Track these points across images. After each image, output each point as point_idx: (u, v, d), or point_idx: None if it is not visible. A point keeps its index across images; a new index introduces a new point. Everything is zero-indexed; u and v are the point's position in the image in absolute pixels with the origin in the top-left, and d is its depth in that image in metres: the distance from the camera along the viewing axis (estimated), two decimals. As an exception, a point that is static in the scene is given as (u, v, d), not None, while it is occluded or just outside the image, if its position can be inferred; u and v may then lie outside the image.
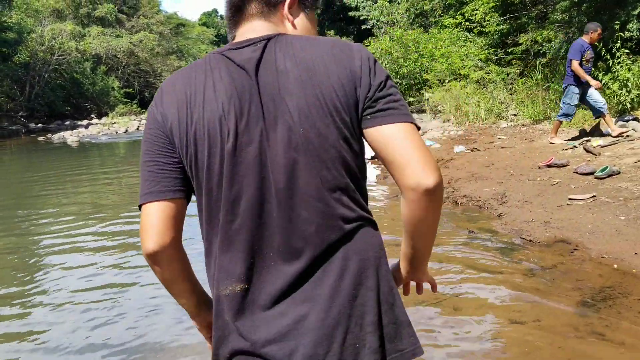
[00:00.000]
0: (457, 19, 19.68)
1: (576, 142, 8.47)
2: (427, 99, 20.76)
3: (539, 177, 6.48)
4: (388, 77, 1.19)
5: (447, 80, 20.88)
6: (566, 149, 8.17)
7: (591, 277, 3.76)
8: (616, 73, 10.28)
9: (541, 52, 13.69)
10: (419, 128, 1.17)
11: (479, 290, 3.72)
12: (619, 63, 10.30)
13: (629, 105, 10.23)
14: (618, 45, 10.16)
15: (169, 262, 1.25)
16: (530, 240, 4.57)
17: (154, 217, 1.21)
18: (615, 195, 5.41)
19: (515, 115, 13.51)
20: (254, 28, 1.26)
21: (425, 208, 1.14)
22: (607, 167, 6.18)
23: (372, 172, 9.10)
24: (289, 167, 1.14)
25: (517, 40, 15.95)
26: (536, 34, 13.54)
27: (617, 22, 10.31)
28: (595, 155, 7.43)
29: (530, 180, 6.43)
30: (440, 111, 17.95)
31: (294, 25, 1.31)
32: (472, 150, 9.29)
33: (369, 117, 1.16)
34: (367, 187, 1.26)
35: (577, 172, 6.50)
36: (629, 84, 10.11)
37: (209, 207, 1.19)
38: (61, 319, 3.87)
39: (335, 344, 1.13)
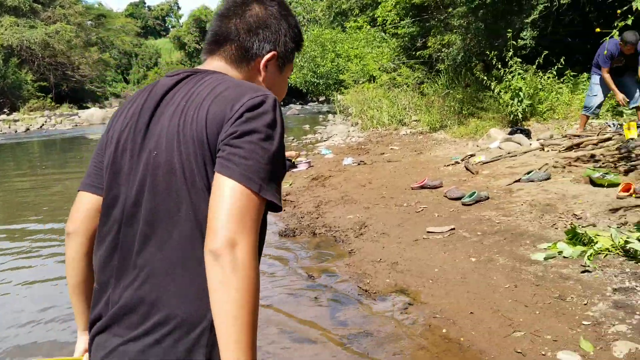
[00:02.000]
0: (358, 21, 19.12)
1: (459, 157, 8.02)
2: (339, 101, 20.25)
3: (407, 202, 5.92)
4: (263, 133, 1.10)
5: (361, 82, 20.48)
6: (448, 165, 7.69)
7: (414, 349, 3.15)
8: (508, 82, 9.94)
9: (440, 57, 13.33)
10: (259, 193, 1.07)
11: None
12: (511, 72, 9.97)
13: (520, 116, 9.92)
14: (510, 54, 9.83)
15: (75, 245, 1.33)
16: (366, 291, 3.94)
17: (77, 204, 1.34)
18: (474, 228, 4.87)
19: (417, 121, 13.11)
20: (212, 64, 1.32)
21: (211, 273, 1.04)
22: (474, 192, 5.68)
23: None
24: (139, 188, 1.18)
25: (426, 43, 15.56)
26: (439, 39, 13.15)
27: (509, 30, 9.97)
28: (473, 173, 6.97)
29: (397, 206, 5.86)
30: (350, 114, 17.41)
31: (264, 79, 1.35)
32: (358, 164, 8.71)
33: (219, 157, 1.11)
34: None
35: (446, 197, 5.98)
36: (521, 93, 9.79)
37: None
38: None
39: None
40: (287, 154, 9.72)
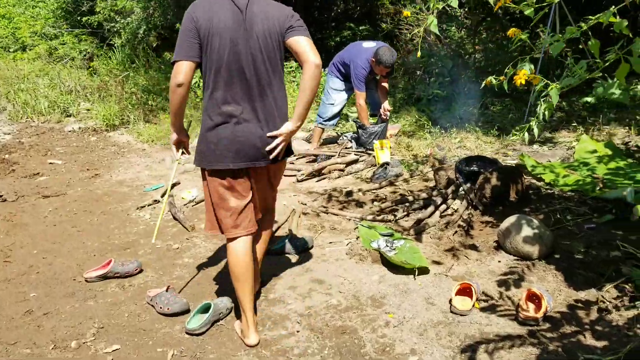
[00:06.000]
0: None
1: (158, 187, 5.04)
2: (-22, 75, 14.76)
3: (71, 336, 2.79)
4: (298, 19, 2.45)
5: (12, 50, 15.27)
6: (143, 207, 4.65)
7: None
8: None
9: (116, 29, 9.84)
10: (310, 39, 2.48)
11: None
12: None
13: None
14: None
15: (183, 90, 2.36)
16: None
17: (184, 67, 2.32)
18: None
19: (88, 111, 9.44)
20: None
21: (315, 75, 2.37)
22: (208, 304, 2.89)
23: None
24: (252, 57, 2.37)
25: (94, 7, 11.68)
26: (110, 4, 9.56)
27: None
28: (188, 230, 4.12)
29: (55, 347, 2.70)
30: (-4, 93, 12.35)
31: None
32: (-7, 202, 4.96)
33: (289, 33, 2.41)
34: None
35: (158, 310, 3.04)
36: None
37: (212, 70, 2.36)
38: None
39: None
40: None
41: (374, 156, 5.15)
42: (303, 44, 2.37)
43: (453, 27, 8.86)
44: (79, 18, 12.77)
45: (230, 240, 2.55)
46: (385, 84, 5.47)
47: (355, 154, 5.26)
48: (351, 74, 5.22)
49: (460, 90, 6.71)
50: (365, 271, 3.26)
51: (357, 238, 3.64)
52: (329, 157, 5.27)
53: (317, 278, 3.23)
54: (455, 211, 3.82)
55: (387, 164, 4.84)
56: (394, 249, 3.45)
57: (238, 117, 2.37)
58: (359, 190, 4.59)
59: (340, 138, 5.83)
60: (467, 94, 6.60)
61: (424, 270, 3.16)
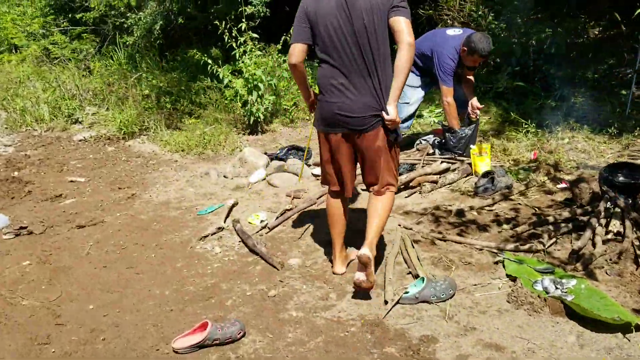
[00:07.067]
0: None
1: (214, 208, 4.21)
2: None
3: None
4: (406, 2, 2.59)
5: (-2, 51, 14.16)
6: (205, 237, 3.81)
7: None
8: (243, 67, 6.35)
9: (126, 25, 8.86)
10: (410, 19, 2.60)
11: None
12: (245, 52, 6.41)
13: (262, 117, 6.50)
14: (244, 25, 6.25)
15: (298, 70, 2.78)
16: None
17: (296, 49, 2.71)
18: None
19: (95, 115, 8.48)
20: None
21: (410, 56, 2.55)
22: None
23: None
24: (356, 36, 2.59)
25: (87, 4, 10.69)
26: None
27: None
28: (277, 268, 3.29)
29: None
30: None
31: None
32: (17, 235, 4.06)
33: (391, 12, 2.57)
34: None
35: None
36: (261, 85, 6.31)
37: (323, 47, 2.68)
38: None
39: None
40: None
41: (468, 163, 4.36)
42: (402, 24, 2.56)
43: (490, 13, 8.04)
44: (69, 15, 11.78)
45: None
46: (471, 77, 4.67)
47: (443, 162, 4.46)
48: (435, 66, 4.42)
49: (532, 81, 5.95)
50: (551, 329, 2.47)
51: (514, 279, 2.84)
52: (412, 166, 4.47)
53: (489, 341, 2.43)
54: (620, 235, 3.05)
55: (491, 173, 4.05)
56: (566, 291, 2.68)
57: (340, 90, 2.69)
58: (470, 208, 3.80)
59: (418, 142, 5.00)
60: (541, 85, 5.85)
61: (632, 325, 2.39)
